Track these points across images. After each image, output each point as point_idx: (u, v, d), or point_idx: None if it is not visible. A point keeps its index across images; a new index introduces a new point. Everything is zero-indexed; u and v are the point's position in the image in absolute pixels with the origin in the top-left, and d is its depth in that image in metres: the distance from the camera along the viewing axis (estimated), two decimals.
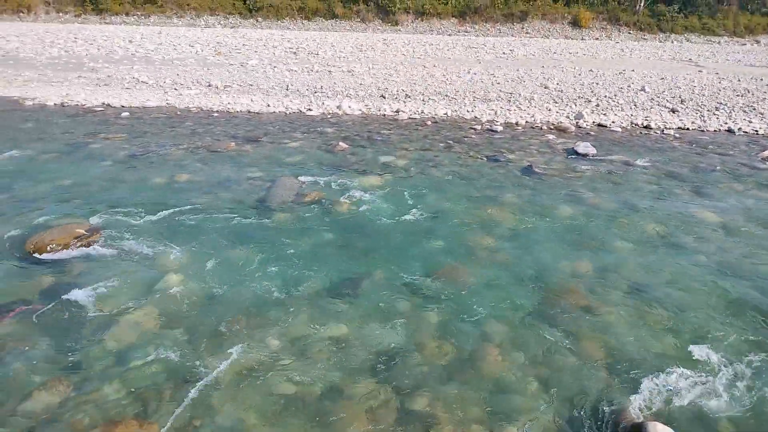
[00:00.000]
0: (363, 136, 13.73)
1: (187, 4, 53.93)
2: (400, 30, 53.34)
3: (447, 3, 55.01)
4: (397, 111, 16.56)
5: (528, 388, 4.90)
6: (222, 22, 53.64)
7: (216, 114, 15.91)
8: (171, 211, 8.51)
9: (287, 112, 16.34)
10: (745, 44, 50.91)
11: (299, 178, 10.27)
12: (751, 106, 18.00)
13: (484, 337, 5.57)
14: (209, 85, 19.72)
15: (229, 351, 5.23)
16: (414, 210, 8.83)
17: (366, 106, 17.11)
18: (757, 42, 52.48)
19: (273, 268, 6.79)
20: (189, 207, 8.69)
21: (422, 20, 54.78)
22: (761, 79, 24.05)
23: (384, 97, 18.37)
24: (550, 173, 11.01)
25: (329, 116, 16.07)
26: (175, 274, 6.57)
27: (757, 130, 15.23)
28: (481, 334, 5.62)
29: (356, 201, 9.15)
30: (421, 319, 5.86)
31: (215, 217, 8.34)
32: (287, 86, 19.76)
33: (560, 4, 55.89)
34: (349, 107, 16.81)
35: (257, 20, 54.01)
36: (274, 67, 24.56)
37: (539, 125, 15.33)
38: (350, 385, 4.87)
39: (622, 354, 5.36)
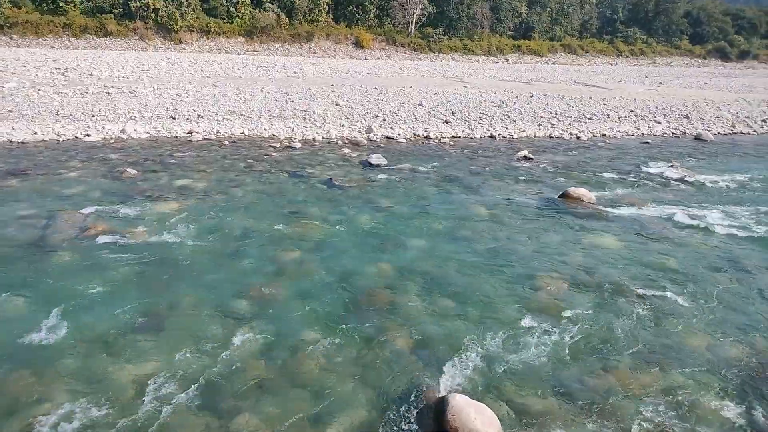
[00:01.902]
0: (154, 160, 12.89)
1: None
2: (184, 49, 51.02)
3: (233, 22, 54.31)
4: (190, 132, 15.89)
5: (345, 387, 5.17)
6: None
7: None
8: None
9: (60, 140, 14.53)
10: (498, 62, 59.82)
11: (82, 211, 9.25)
12: (506, 114, 21.31)
13: (300, 348, 5.72)
14: None
15: (10, 423, 4.53)
16: (218, 232, 8.62)
17: (154, 128, 16.07)
18: (507, 60, 62.03)
19: (57, 316, 6.03)
20: None
21: (208, 39, 53.18)
22: (512, 91, 28.57)
23: (174, 118, 17.45)
24: (348, 184, 11.66)
25: (112, 141, 14.73)
26: None
27: (512, 135, 18.10)
28: (297, 345, 5.76)
29: (152, 229, 8.58)
30: (235, 341, 5.77)
31: None
32: (57, 111, 17.54)
33: (342, 25, 59.20)
34: (135, 131, 15.62)
35: (11, 38, 46.73)
36: (39, 90, 21.57)
37: (335, 140, 16.09)
38: (164, 423, 4.60)
39: (425, 341, 5.97)
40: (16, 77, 25.32)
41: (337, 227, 9.11)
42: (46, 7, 49.44)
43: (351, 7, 59.71)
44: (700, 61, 72.05)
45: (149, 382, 5.07)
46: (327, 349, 5.73)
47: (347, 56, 55.48)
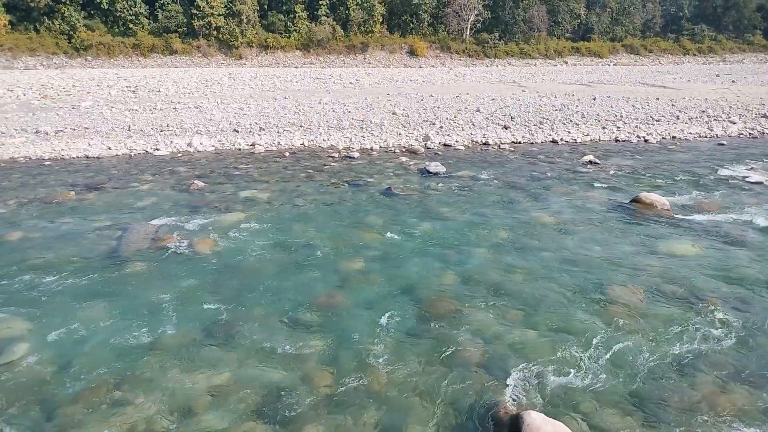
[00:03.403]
0: (219, 173, 13.31)
1: (0, 45, 48.12)
2: (245, 64, 52.83)
3: (290, 36, 55.76)
4: (253, 144, 16.33)
5: (412, 401, 5.07)
6: (44, 63, 48.70)
7: (48, 162, 14.35)
8: (4, 275, 7.47)
9: (132, 154, 15.28)
10: (556, 65, 58.41)
11: (153, 222, 9.64)
12: (568, 118, 20.68)
13: (366, 359, 5.66)
14: (37, 132, 17.75)
15: (94, 423, 4.71)
16: (282, 242, 8.75)
17: (219, 141, 16.63)
18: (566, 63, 60.47)
19: (134, 324, 6.27)
20: (27, 269, 7.71)
21: (267, 53, 54.83)
22: (573, 95, 27.75)
23: (237, 132, 18.01)
24: (407, 193, 11.60)
25: (180, 155, 15.34)
26: (23, 344, 5.78)
27: (575, 139, 17.51)
28: (363, 356, 5.72)
29: (220, 240, 8.82)
30: (302, 351, 5.80)
31: (59, 276, 7.49)
32: (129, 127, 18.50)
33: (396, 35, 59.57)
34: (201, 144, 16.21)
35: (86, 59, 49.93)
36: (112, 107, 22.86)
37: (392, 149, 16.10)
38: None
39: (493, 353, 5.78)
40: (92, 96, 26.95)
41: (398, 236, 9.05)
42: (117, 29, 52.48)
43: (405, 17, 60.00)
44: None
45: (220, 391, 5.16)
46: (393, 360, 5.64)
47: (402, 65, 55.74)
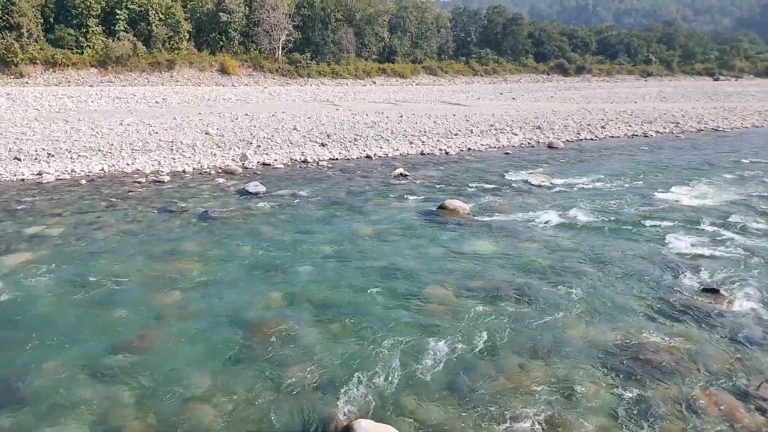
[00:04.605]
0: None
1: None
2: (27, 83, 46.11)
3: (83, 53, 50.24)
4: (40, 173, 14.29)
5: (241, 430, 4.87)
6: None
7: None
8: None
9: None
10: (366, 85, 61.54)
11: None
12: (380, 134, 21.91)
13: (189, 397, 5.29)
14: None
15: None
16: (81, 282, 7.77)
17: None
18: (374, 82, 64.03)
19: None
20: None
21: (55, 71, 48.61)
22: (382, 113, 29.48)
23: (19, 159, 15.60)
24: (226, 215, 11.18)
25: None
26: None
27: (387, 154, 18.61)
28: (185, 394, 5.33)
29: (1, 287, 7.52)
30: (110, 402, 5.19)
31: None
32: None
33: (206, 52, 57.36)
34: None
35: None
36: None
37: (207, 171, 15.39)
38: None
39: (322, 368, 5.82)
40: None
41: (218, 262, 8.66)
42: None
43: (214, 34, 58.09)
44: (544, 76, 79.82)
45: None
46: (220, 394, 5.36)
47: (213, 83, 53.74)
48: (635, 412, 5.24)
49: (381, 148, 19.41)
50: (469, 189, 14.03)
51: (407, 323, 6.79)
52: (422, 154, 19.14)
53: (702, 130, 27.40)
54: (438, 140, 21.35)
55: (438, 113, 29.99)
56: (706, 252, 9.41)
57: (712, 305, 7.42)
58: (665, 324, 6.92)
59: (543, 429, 4.96)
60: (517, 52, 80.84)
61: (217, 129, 21.83)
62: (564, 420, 5.07)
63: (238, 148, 18.37)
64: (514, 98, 44.87)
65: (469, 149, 20.21)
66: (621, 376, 5.79)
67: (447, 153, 19.31)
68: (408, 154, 19.05)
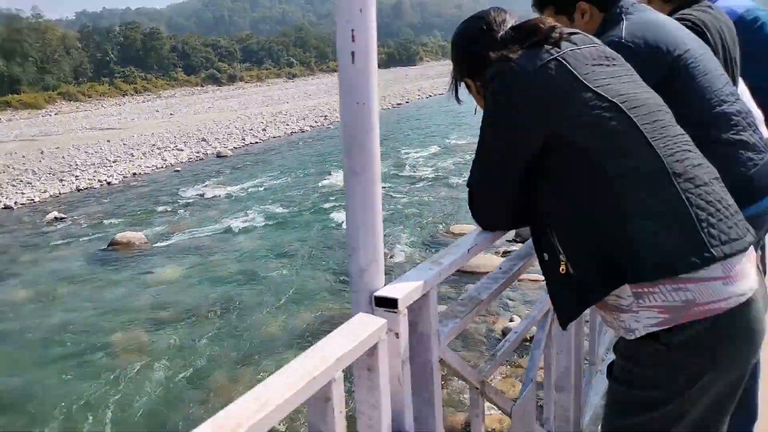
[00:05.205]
0: None
1: None
2: None
3: None
4: None
5: None
6: None
7: None
8: None
9: None
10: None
11: None
12: (17, 179, 18.42)
13: None
14: None
15: None
16: None
17: None
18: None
19: None
20: None
21: None
22: (13, 153, 24.81)
23: None
24: None
25: None
26: None
27: (33, 199, 15.80)
28: None
29: None
30: None
31: None
32: None
33: None
34: None
35: None
36: None
37: None
38: None
39: None
40: None
41: None
42: None
43: None
44: (199, 88, 79.21)
45: None
46: None
47: None
48: None
49: (23, 193, 16.38)
50: (143, 216, 13.09)
51: (90, 385, 6.01)
52: (78, 190, 16.90)
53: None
54: (95, 171, 19.17)
55: (89, 142, 26.89)
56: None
57: None
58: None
59: None
60: (165, 67, 78.25)
61: None
62: None
63: None
64: (172, 114, 43.41)
65: (134, 174, 18.75)
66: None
67: (109, 183, 17.52)
68: (61, 193, 16.56)
